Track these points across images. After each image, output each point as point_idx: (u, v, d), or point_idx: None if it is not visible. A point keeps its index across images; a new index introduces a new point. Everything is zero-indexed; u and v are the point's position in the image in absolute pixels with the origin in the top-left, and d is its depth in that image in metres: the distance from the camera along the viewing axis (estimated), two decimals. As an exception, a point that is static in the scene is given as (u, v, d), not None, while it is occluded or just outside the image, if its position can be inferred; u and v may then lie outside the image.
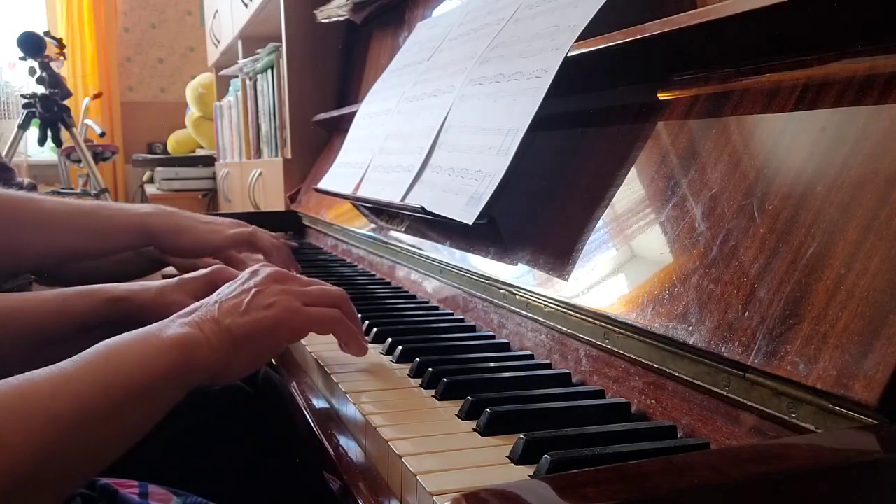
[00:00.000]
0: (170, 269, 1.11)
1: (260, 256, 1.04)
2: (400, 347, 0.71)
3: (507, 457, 0.48)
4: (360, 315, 0.85)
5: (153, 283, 0.78)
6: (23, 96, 3.61)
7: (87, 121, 4.00)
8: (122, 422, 0.50)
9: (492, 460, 0.48)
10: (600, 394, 0.60)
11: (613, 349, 0.59)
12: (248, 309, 0.60)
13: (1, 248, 0.82)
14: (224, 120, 2.95)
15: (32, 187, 1.31)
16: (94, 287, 0.75)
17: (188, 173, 4.02)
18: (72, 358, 0.50)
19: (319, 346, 0.75)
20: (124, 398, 0.49)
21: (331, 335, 0.69)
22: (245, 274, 0.66)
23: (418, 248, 0.97)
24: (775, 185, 0.51)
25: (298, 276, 0.70)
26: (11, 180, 1.26)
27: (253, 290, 0.62)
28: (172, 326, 0.56)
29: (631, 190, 0.64)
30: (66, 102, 3.57)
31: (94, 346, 0.52)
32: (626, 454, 0.46)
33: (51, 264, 0.97)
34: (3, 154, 1.32)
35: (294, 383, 0.76)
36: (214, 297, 0.63)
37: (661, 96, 0.66)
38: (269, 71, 2.09)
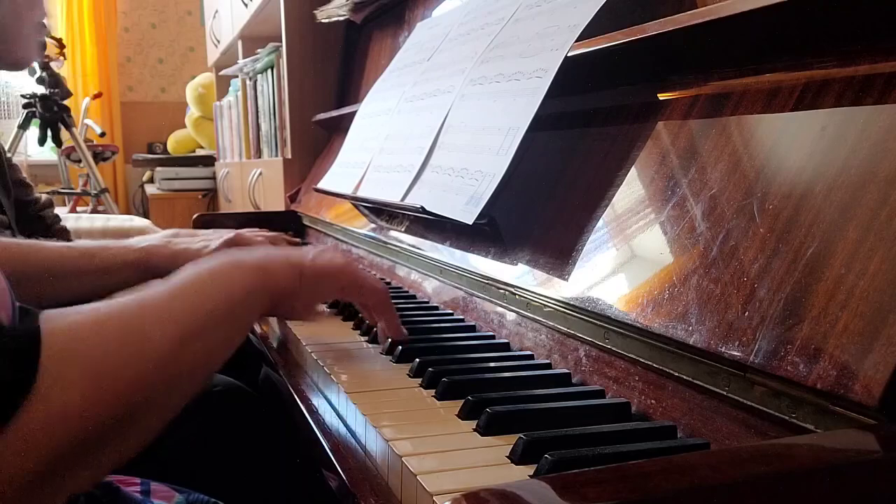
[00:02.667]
0: None
1: None
2: (400, 347, 0.71)
3: (507, 457, 0.48)
4: (359, 315, 0.85)
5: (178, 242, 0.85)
6: (23, 96, 3.61)
7: (87, 121, 4.00)
8: (215, 337, 0.54)
9: (492, 460, 0.48)
10: (600, 394, 0.60)
11: (613, 349, 0.59)
12: (314, 257, 0.69)
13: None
14: (224, 120, 2.94)
15: (49, 203, 1.32)
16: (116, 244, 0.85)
17: (188, 173, 4.02)
18: (166, 280, 0.54)
19: (320, 346, 0.75)
20: (218, 318, 0.54)
21: (332, 336, 0.70)
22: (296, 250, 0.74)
23: (418, 248, 0.97)
24: (775, 185, 0.51)
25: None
26: (28, 195, 1.27)
27: (315, 251, 0.71)
28: (250, 257, 0.62)
29: (631, 190, 0.64)
30: (66, 102, 3.56)
31: (182, 270, 0.56)
32: (626, 454, 0.46)
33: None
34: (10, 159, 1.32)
35: (294, 383, 0.76)
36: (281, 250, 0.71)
37: (661, 96, 0.66)
38: (269, 71, 2.09)
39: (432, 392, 0.61)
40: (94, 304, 0.47)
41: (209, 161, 3.79)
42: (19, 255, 0.73)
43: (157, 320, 0.49)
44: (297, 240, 1.48)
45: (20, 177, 1.27)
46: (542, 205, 0.75)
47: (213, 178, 3.51)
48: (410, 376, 0.66)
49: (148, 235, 1.07)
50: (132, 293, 0.51)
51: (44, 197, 1.32)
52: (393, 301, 0.75)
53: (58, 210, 1.35)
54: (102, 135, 3.91)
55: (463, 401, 0.57)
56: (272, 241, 1.07)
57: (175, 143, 4.45)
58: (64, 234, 1.31)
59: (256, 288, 0.60)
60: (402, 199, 0.93)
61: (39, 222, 1.27)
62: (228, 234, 1.04)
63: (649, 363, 0.55)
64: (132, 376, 0.45)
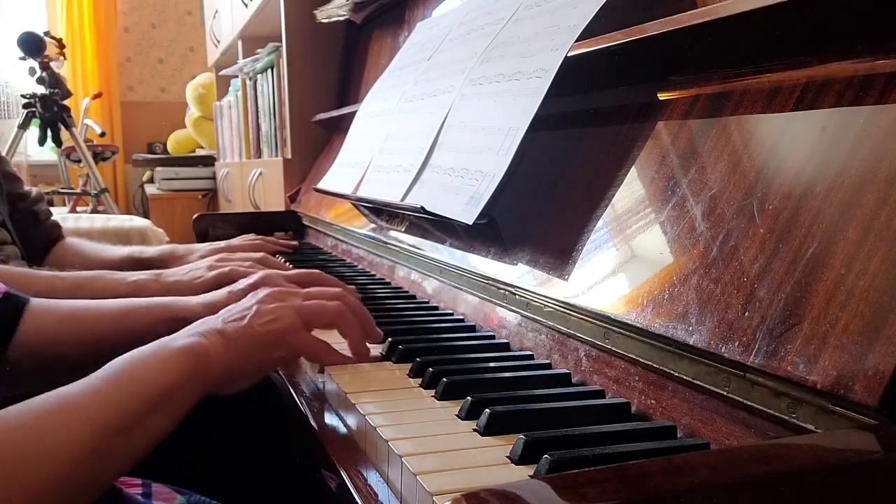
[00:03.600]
0: None
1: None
2: (400, 347, 0.71)
3: (507, 457, 0.48)
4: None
5: (204, 296, 0.82)
6: (23, 96, 3.61)
7: (87, 121, 4.00)
8: (144, 428, 0.53)
9: (492, 460, 0.48)
10: (600, 394, 0.60)
11: (613, 349, 0.59)
12: (250, 323, 0.65)
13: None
14: (224, 120, 2.95)
15: (40, 198, 1.32)
16: (154, 302, 0.79)
17: (188, 173, 4.03)
18: (95, 374, 0.54)
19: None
20: (146, 408, 0.54)
21: (332, 336, 0.69)
22: (247, 298, 0.70)
23: (418, 248, 0.97)
24: (775, 185, 0.51)
25: (297, 289, 0.73)
26: (19, 189, 1.27)
27: (255, 308, 0.66)
28: (180, 338, 0.60)
29: (631, 190, 0.64)
30: (66, 102, 3.57)
31: (112, 363, 0.56)
32: (626, 454, 0.46)
33: None
34: (3, 153, 1.32)
35: (294, 383, 0.76)
36: (220, 314, 0.67)
37: (661, 96, 0.66)
38: (269, 71, 2.09)
39: (432, 392, 0.61)
40: (6, 410, 0.49)
41: (209, 161, 3.79)
42: (9, 282, 0.74)
43: (68, 420, 0.49)
44: (294, 243, 1.48)
45: (9, 170, 1.26)
46: (542, 205, 0.75)
47: (213, 178, 3.51)
48: (410, 376, 0.66)
49: (140, 268, 1.06)
50: (49, 393, 0.51)
51: (34, 191, 1.32)
52: (393, 301, 0.75)
53: (58, 210, 1.35)
54: (102, 135, 3.92)
55: (463, 401, 0.57)
56: (262, 262, 1.05)
57: (175, 143, 4.45)
58: (55, 229, 1.30)
59: (186, 377, 0.57)
60: (402, 199, 0.93)
61: (31, 217, 1.26)
62: (222, 268, 1.03)
63: (649, 363, 0.55)
64: (40, 477, 0.46)
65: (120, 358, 0.56)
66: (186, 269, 1.03)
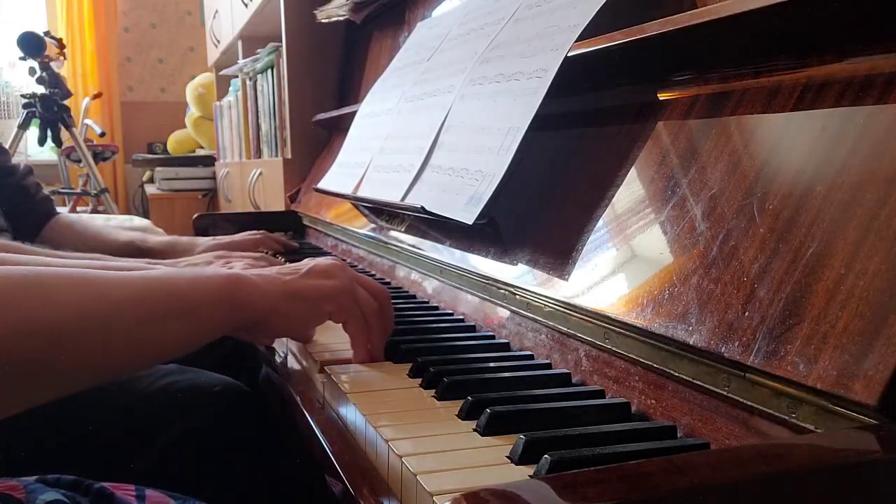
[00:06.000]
0: None
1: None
2: (400, 347, 0.71)
3: (507, 457, 0.48)
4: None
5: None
6: (23, 96, 3.61)
7: (87, 121, 4.00)
8: (162, 329, 0.52)
9: (492, 460, 0.48)
10: (600, 394, 0.60)
11: (613, 349, 0.59)
12: (307, 273, 0.65)
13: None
14: (224, 120, 2.94)
15: (29, 171, 1.28)
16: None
17: (188, 173, 4.02)
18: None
19: (320, 346, 0.75)
20: (170, 309, 0.53)
21: (332, 336, 0.69)
22: (301, 262, 0.70)
23: (418, 248, 0.97)
24: (775, 185, 0.51)
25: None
26: (6, 163, 1.24)
27: (311, 265, 0.67)
28: (228, 269, 0.61)
29: (631, 190, 0.64)
30: (66, 102, 3.57)
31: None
32: (626, 454, 0.46)
33: None
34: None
35: (294, 383, 0.76)
36: (274, 268, 0.67)
37: (661, 96, 0.66)
38: (269, 71, 2.09)
39: (432, 392, 0.61)
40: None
41: (209, 161, 3.79)
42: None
43: (77, 286, 0.48)
44: (295, 244, 1.48)
45: None
46: (542, 205, 0.75)
47: (213, 178, 3.51)
48: (410, 376, 0.66)
49: (141, 256, 1.05)
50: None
51: (23, 165, 1.28)
52: (393, 301, 0.75)
53: (57, 210, 1.34)
54: (102, 135, 3.92)
55: (463, 401, 0.57)
56: (261, 262, 1.05)
57: (175, 143, 4.45)
58: (47, 203, 1.27)
59: (219, 296, 0.57)
60: (402, 199, 0.93)
61: (21, 192, 1.23)
62: (219, 261, 1.03)
63: (649, 363, 0.55)
64: (32, 325, 0.45)
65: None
66: (184, 262, 1.02)
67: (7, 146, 3.59)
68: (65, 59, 3.75)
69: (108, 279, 0.51)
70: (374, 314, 0.70)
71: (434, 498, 0.43)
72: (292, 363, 0.83)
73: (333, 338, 0.76)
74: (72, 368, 0.49)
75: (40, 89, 3.54)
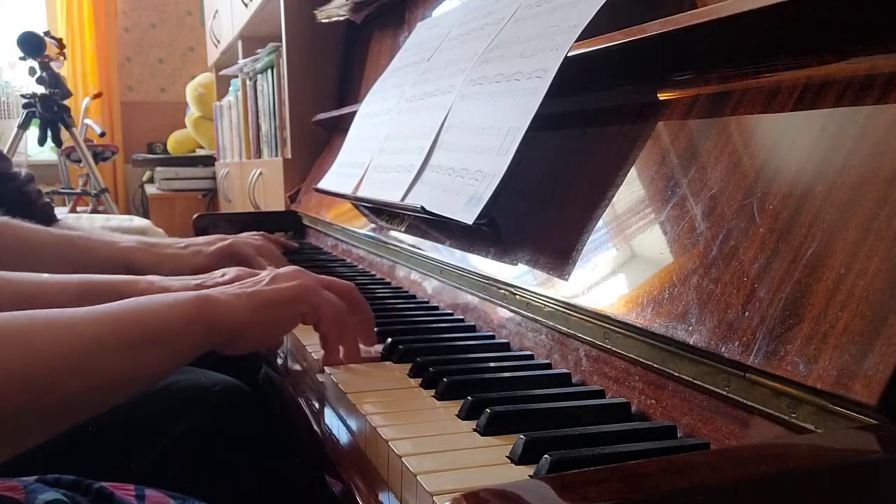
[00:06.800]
0: None
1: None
2: (400, 347, 0.71)
3: (507, 457, 0.48)
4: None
5: (191, 278, 0.79)
6: (23, 96, 3.61)
7: (87, 121, 4.00)
8: (141, 358, 0.52)
9: (492, 460, 0.48)
10: (600, 394, 0.60)
11: (613, 349, 0.59)
12: (271, 281, 0.67)
13: None
14: (224, 120, 2.94)
15: (30, 178, 1.29)
16: (116, 279, 0.75)
17: (188, 173, 4.02)
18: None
19: (319, 346, 0.75)
20: (146, 338, 0.53)
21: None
22: (262, 273, 0.71)
23: (418, 248, 0.97)
24: (775, 185, 0.51)
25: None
26: (7, 170, 1.24)
27: (271, 275, 0.68)
28: (191, 290, 0.61)
29: (631, 190, 0.64)
30: (66, 102, 3.57)
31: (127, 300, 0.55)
32: (626, 454, 0.46)
33: None
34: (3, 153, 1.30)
35: (294, 383, 0.76)
36: (235, 284, 0.67)
37: (661, 96, 0.66)
38: (269, 71, 2.09)
39: (432, 392, 0.61)
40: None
41: (209, 161, 3.79)
42: None
43: (50, 328, 0.48)
44: (295, 244, 1.48)
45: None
46: (541, 205, 0.75)
47: (213, 178, 3.51)
48: (410, 376, 0.66)
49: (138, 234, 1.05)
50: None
51: (24, 171, 1.29)
52: (393, 301, 0.75)
53: (58, 210, 1.34)
54: (102, 135, 3.92)
55: (463, 401, 0.57)
56: (265, 250, 1.05)
57: (175, 143, 4.45)
58: (47, 210, 1.28)
59: (193, 318, 0.57)
60: (402, 199, 0.93)
61: (21, 199, 1.23)
62: (221, 241, 1.02)
63: (649, 363, 0.55)
64: (8, 373, 0.45)
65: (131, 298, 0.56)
66: (185, 241, 1.01)
67: (7, 146, 3.60)
68: (65, 59, 3.75)
69: (81, 317, 0.51)
70: (344, 313, 0.71)
71: (434, 498, 0.43)
72: (292, 363, 0.83)
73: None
74: (53, 412, 0.48)
75: (40, 89, 3.54)
